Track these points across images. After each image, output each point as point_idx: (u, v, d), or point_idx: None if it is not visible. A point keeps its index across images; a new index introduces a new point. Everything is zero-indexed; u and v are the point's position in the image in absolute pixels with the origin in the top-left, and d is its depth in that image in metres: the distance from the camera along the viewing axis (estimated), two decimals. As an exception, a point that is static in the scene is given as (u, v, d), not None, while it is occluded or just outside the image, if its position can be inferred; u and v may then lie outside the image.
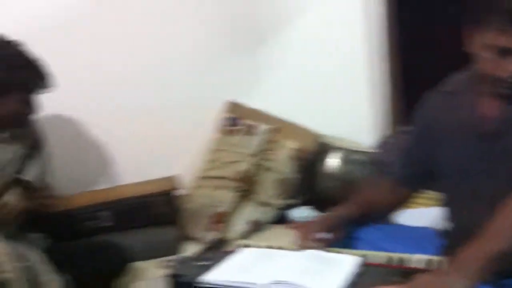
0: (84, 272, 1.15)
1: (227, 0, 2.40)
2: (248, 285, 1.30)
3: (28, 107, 1.84)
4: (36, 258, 1.12)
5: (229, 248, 1.66)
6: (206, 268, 1.44)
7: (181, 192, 2.35)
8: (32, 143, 2.00)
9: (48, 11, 2.22)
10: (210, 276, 1.35)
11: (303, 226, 1.61)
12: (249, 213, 2.30)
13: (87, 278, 1.14)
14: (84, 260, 1.51)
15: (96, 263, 1.77)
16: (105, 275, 1.84)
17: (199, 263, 1.48)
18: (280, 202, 2.37)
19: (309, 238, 1.53)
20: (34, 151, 2.01)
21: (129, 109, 2.37)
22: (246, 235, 2.23)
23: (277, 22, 2.44)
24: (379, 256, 1.38)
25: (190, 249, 2.21)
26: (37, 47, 1.91)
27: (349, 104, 2.47)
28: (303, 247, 1.50)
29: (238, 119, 2.42)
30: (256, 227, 2.30)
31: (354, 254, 1.43)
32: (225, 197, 2.29)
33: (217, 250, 1.66)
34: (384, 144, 2.42)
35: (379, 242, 1.51)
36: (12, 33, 1.81)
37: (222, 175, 2.35)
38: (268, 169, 2.36)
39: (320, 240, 1.53)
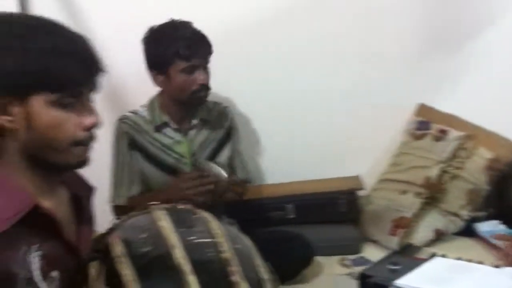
0: (275, 260, 1.18)
1: (429, 4, 2.32)
2: (447, 297, 1.26)
3: (195, 77, 1.89)
4: (247, 241, 1.18)
5: (419, 255, 1.61)
6: (399, 272, 1.43)
7: (363, 192, 2.34)
8: (224, 129, 2.11)
9: (244, 11, 2.32)
10: (406, 282, 1.33)
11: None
12: (434, 221, 2.21)
13: (277, 267, 1.17)
14: (275, 248, 1.56)
15: (285, 252, 1.83)
16: (292, 265, 1.90)
17: (390, 267, 1.47)
18: (467, 213, 2.24)
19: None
20: (226, 137, 2.12)
21: (318, 105, 2.41)
22: (430, 243, 2.15)
23: (478, 26, 2.30)
24: None
25: (370, 251, 2.20)
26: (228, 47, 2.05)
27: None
28: (505, 264, 1.41)
29: (428, 122, 2.33)
30: (440, 237, 2.21)
31: None
32: (409, 202, 2.22)
33: (407, 256, 1.62)
34: None
35: None
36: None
37: (407, 179, 2.29)
38: (457, 177, 2.24)
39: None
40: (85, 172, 1.21)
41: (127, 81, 2.31)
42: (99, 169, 1.93)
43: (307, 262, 1.97)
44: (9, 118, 1.00)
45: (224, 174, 1.85)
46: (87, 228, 1.18)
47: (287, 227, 2.22)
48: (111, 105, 2.26)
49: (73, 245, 1.12)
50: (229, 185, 1.87)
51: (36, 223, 1.03)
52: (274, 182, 2.46)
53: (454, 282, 1.34)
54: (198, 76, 1.89)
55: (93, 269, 1.08)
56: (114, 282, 1.02)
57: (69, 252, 1.11)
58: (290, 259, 1.86)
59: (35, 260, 1.02)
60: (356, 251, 2.19)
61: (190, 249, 1.02)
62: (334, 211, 2.25)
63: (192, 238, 1.06)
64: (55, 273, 1.06)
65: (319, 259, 2.08)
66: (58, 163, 1.05)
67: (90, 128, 1.05)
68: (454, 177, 2.24)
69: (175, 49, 1.86)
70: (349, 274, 2.00)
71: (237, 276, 0.98)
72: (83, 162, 1.08)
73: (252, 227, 2.05)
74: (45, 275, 1.04)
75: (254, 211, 2.27)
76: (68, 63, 0.99)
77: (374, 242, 2.25)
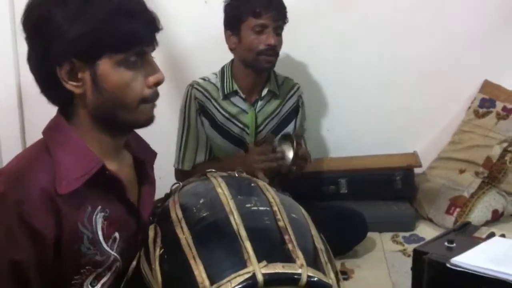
0: (328, 233, 1.17)
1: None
2: (506, 276, 1.22)
3: (263, 38, 1.87)
4: (302, 211, 1.18)
5: (476, 234, 1.57)
6: (455, 250, 1.39)
7: (420, 170, 2.30)
8: (292, 105, 2.07)
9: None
10: (463, 259, 1.30)
11: None
12: (492, 201, 2.15)
13: (330, 240, 1.16)
14: (329, 221, 1.56)
15: (339, 226, 1.82)
16: (345, 240, 1.90)
17: (447, 244, 1.44)
18: (529, 195, 2.17)
19: None
20: (293, 113, 2.09)
21: (377, 82, 2.36)
22: (486, 223, 2.10)
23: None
24: None
25: (423, 229, 2.17)
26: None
27: None
28: None
29: (493, 100, 2.25)
30: (497, 218, 2.15)
31: None
32: (468, 181, 2.17)
33: (464, 234, 1.57)
34: None
35: None
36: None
37: (467, 158, 2.23)
38: (520, 158, 2.17)
39: None
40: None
41: (192, 52, 2.33)
42: (154, 137, 2.00)
43: (360, 238, 1.96)
44: (77, 83, 1.03)
45: (291, 154, 1.84)
46: (148, 192, 1.20)
47: (340, 202, 2.21)
48: (174, 75, 2.28)
49: (134, 207, 1.15)
50: (293, 164, 1.86)
51: (102, 184, 1.06)
52: (334, 156, 2.44)
53: (513, 262, 1.30)
54: (267, 36, 1.87)
55: (151, 232, 1.10)
56: (171, 245, 1.03)
57: (131, 214, 1.14)
58: (344, 234, 1.86)
59: (99, 221, 1.06)
60: (409, 228, 2.16)
61: (247, 216, 1.03)
62: (389, 187, 2.23)
63: (248, 205, 1.07)
64: (117, 234, 1.10)
65: (371, 235, 2.07)
66: (127, 121, 1.08)
67: (155, 85, 1.08)
68: (516, 157, 2.17)
69: (249, 5, 1.87)
70: (401, 251, 1.99)
71: (292, 244, 0.98)
72: (150, 119, 1.11)
73: (305, 200, 2.06)
74: (107, 235, 1.08)
75: (306, 184, 2.25)
76: (132, 22, 1.01)
77: (429, 220, 2.22)
